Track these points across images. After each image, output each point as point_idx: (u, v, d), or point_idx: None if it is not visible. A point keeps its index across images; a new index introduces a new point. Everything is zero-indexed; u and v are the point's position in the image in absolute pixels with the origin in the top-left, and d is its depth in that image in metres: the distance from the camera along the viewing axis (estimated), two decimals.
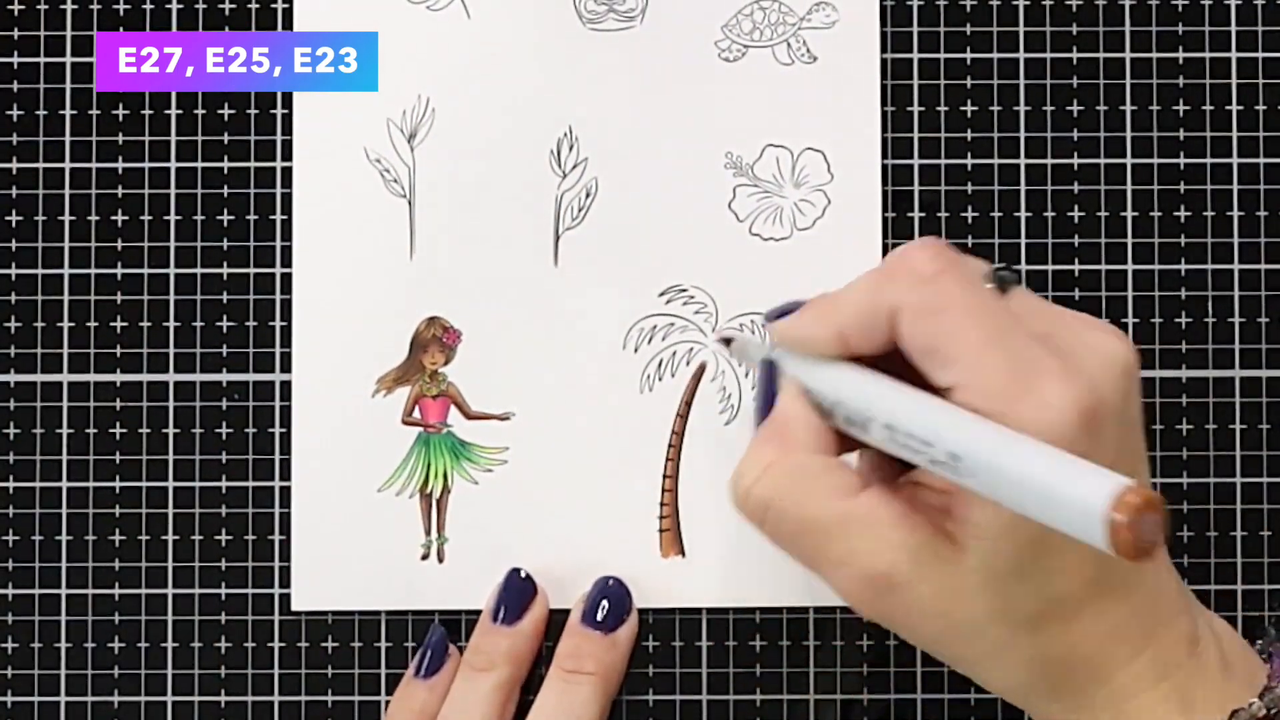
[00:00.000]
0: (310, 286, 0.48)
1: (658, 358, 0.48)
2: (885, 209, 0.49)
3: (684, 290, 0.48)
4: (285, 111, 0.49)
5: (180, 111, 0.49)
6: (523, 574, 0.47)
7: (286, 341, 0.49)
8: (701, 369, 0.48)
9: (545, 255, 0.48)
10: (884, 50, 0.49)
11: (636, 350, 0.48)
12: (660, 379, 0.48)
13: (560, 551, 0.48)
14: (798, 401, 0.39)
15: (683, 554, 0.48)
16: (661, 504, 0.48)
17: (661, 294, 0.48)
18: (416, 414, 0.48)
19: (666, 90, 0.49)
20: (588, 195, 0.48)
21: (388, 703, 0.48)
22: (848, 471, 0.38)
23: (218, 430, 0.49)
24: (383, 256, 0.48)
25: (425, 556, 0.48)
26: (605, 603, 0.47)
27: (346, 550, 0.48)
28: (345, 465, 0.48)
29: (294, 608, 0.48)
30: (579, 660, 0.46)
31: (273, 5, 0.50)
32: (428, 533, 0.48)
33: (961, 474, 0.33)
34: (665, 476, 0.48)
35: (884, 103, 0.49)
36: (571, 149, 0.49)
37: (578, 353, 0.48)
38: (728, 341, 0.46)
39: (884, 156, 0.49)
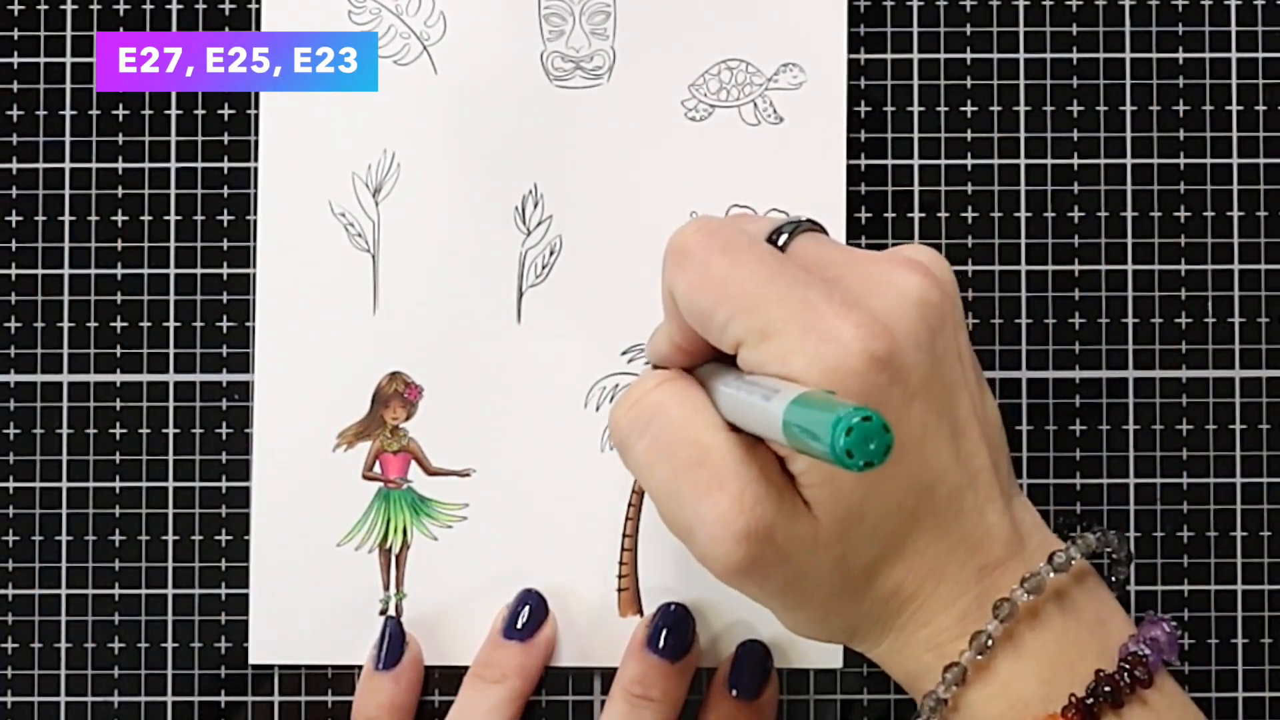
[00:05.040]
0: (273, 339, 0.48)
1: None
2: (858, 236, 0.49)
3: (645, 351, 0.48)
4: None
5: (180, 111, 0.49)
6: (537, 591, 0.47)
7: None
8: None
9: (508, 312, 0.48)
10: (884, 51, 0.49)
11: (598, 409, 0.48)
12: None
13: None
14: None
15: (640, 614, 0.48)
16: (620, 564, 0.48)
17: (624, 353, 0.48)
18: (377, 469, 0.48)
19: (632, 149, 0.49)
20: (551, 253, 0.48)
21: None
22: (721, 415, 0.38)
23: (217, 430, 0.49)
24: (346, 310, 0.48)
25: (384, 612, 0.48)
26: (667, 631, 0.46)
27: (305, 604, 0.48)
28: (305, 519, 0.48)
29: (252, 661, 0.48)
30: (646, 687, 0.45)
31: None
32: (386, 588, 0.48)
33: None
34: (625, 536, 0.48)
35: (884, 103, 0.49)
36: (536, 206, 0.48)
37: (539, 411, 0.48)
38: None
39: (888, 156, 0.49)
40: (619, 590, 0.48)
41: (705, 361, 0.39)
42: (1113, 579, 0.39)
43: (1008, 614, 0.36)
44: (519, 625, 0.47)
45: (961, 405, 0.37)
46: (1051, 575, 0.36)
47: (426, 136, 0.49)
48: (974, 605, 0.36)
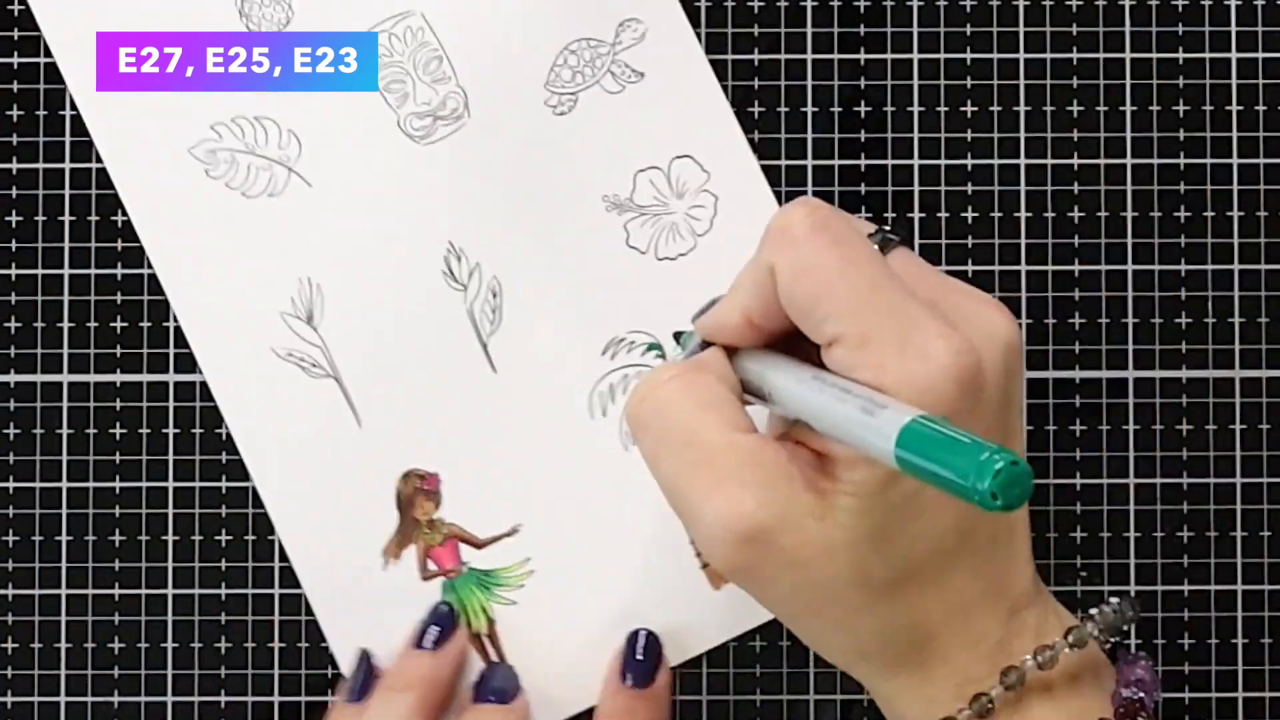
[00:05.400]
0: (280, 495, 0.48)
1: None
2: (779, 185, 0.49)
3: (622, 340, 0.48)
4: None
5: None
6: (444, 604, 0.47)
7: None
8: None
9: (481, 367, 0.48)
10: (885, 51, 0.49)
11: (605, 413, 0.48)
12: None
13: (622, 623, 0.47)
14: (720, 355, 0.40)
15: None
16: (692, 542, 0.47)
17: (604, 352, 0.48)
18: (431, 566, 0.48)
19: (518, 167, 0.48)
20: (495, 295, 0.48)
21: None
22: (744, 413, 0.38)
23: (218, 430, 0.49)
24: (334, 436, 0.48)
25: None
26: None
27: None
28: (386, 641, 0.47)
29: None
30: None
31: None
32: None
33: (828, 431, 0.35)
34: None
35: (884, 103, 0.49)
36: (460, 260, 0.48)
37: (552, 441, 0.48)
38: (679, 336, 0.45)
39: (888, 156, 0.49)
40: (703, 567, 0.48)
41: (771, 341, 0.39)
42: (1108, 642, 0.39)
43: (1015, 681, 0.36)
44: (425, 637, 0.47)
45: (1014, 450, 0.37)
46: (1067, 651, 0.37)
47: (329, 247, 0.48)
48: (998, 648, 0.37)
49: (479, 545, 0.48)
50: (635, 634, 0.47)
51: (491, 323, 0.48)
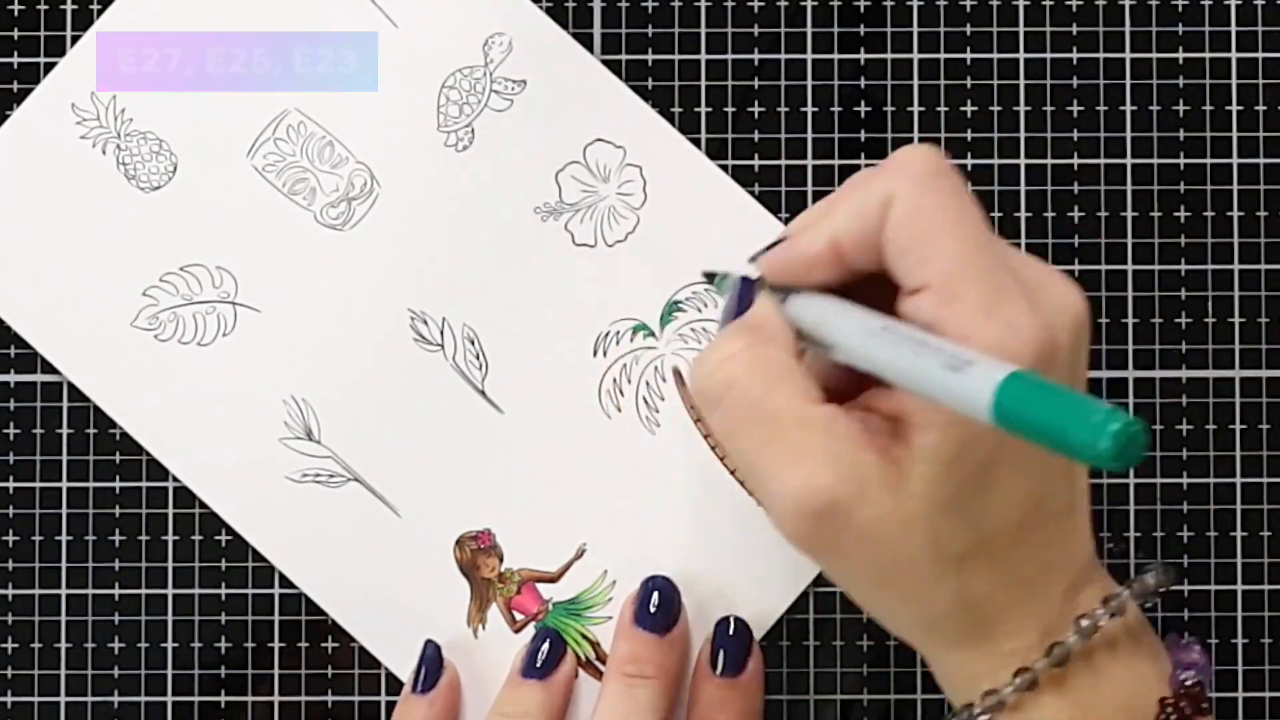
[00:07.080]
0: (349, 609, 0.48)
1: (642, 401, 0.48)
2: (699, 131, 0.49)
3: (608, 334, 0.48)
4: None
5: None
6: (549, 631, 0.47)
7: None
8: (676, 371, 0.48)
9: (487, 413, 0.48)
10: (885, 51, 0.49)
11: (620, 409, 0.48)
12: (657, 417, 0.48)
13: (708, 609, 0.47)
14: (773, 307, 0.39)
15: None
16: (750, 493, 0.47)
17: (595, 353, 0.48)
18: (518, 616, 0.48)
19: (444, 211, 0.48)
20: (474, 343, 0.48)
21: (389, 704, 0.48)
22: (813, 382, 0.37)
23: None
24: (379, 534, 0.48)
25: None
26: (653, 604, 0.46)
27: None
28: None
29: None
30: (639, 664, 0.45)
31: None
32: None
33: (910, 387, 0.34)
34: (732, 472, 0.47)
35: (884, 103, 0.49)
36: (426, 323, 0.48)
37: (580, 454, 0.48)
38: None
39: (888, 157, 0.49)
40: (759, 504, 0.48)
41: (843, 277, 0.38)
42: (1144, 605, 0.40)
43: (1090, 630, 0.36)
44: (538, 664, 0.47)
45: None
46: (1128, 598, 0.37)
47: (301, 360, 0.48)
48: (1059, 622, 0.37)
49: (554, 579, 0.48)
50: (724, 621, 0.47)
51: (480, 369, 0.48)
